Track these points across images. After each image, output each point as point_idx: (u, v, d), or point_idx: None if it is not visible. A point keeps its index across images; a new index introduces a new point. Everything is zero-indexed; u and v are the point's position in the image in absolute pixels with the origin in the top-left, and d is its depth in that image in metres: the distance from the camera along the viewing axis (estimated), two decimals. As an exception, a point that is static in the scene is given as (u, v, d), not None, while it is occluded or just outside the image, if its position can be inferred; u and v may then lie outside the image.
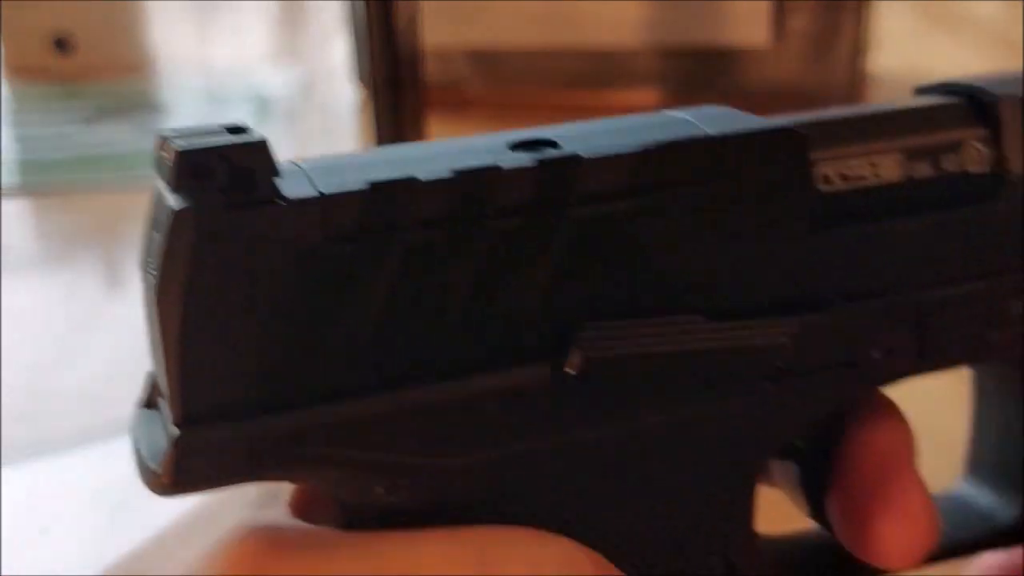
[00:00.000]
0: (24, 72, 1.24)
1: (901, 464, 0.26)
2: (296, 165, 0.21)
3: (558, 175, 0.22)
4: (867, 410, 0.27)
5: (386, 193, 0.21)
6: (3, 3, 1.20)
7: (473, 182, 0.21)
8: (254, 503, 0.24)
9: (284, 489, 0.24)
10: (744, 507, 0.26)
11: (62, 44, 1.22)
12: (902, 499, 0.25)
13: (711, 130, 0.23)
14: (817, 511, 0.27)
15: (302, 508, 0.24)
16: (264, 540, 0.21)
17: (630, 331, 0.23)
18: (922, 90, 0.27)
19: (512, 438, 0.23)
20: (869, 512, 0.26)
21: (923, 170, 0.25)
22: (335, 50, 1.18)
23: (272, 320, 0.20)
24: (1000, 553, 0.30)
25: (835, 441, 0.27)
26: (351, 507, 0.23)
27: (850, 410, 0.27)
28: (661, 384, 0.23)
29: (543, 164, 0.22)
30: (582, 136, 0.23)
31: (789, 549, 0.28)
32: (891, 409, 0.27)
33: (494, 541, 0.22)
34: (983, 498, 0.30)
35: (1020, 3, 1.10)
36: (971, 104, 0.26)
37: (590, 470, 0.24)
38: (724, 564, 0.26)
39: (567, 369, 0.22)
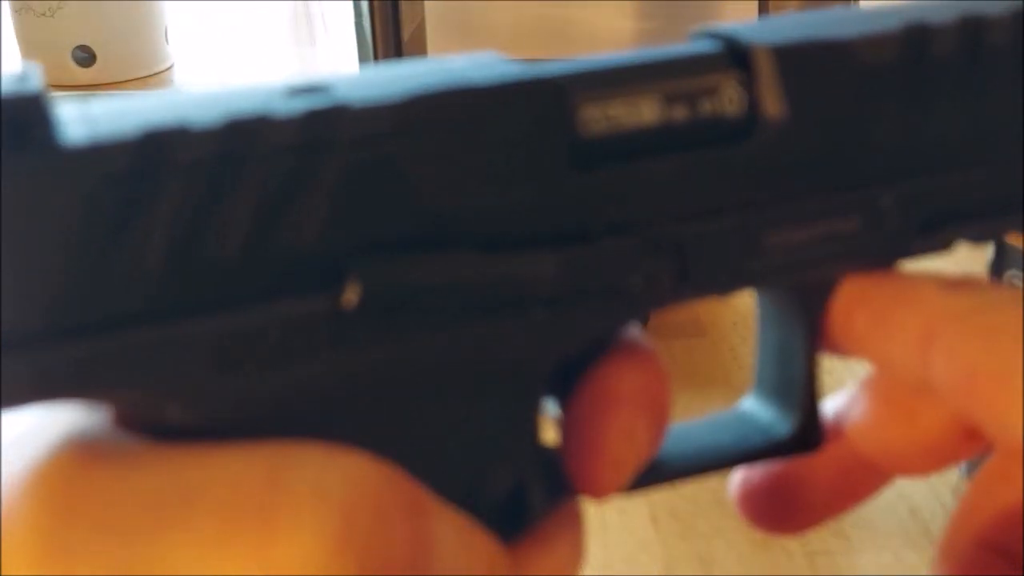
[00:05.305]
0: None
1: (609, 408, 0.27)
2: (81, 110, 0.24)
3: (326, 122, 0.24)
4: (606, 354, 0.28)
5: (158, 139, 0.23)
6: (24, 15, 1.25)
7: (242, 129, 0.24)
8: (79, 409, 0.26)
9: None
10: (529, 424, 0.28)
11: (82, 55, 1.27)
12: (599, 446, 0.27)
13: (476, 78, 0.26)
14: None
15: (124, 417, 0.26)
16: (75, 449, 0.23)
17: (403, 265, 0.25)
18: (693, 35, 0.29)
19: (296, 363, 0.25)
20: (571, 451, 0.28)
21: (680, 112, 0.27)
22: (345, 59, 1.21)
23: (58, 257, 0.23)
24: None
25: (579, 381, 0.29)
26: (152, 424, 0.25)
27: (603, 350, 0.29)
28: (438, 312, 0.26)
29: (312, 113, 0.24)
30: (358, 84, 0.26)
31: None
32: (628, 353, 0.28)
33: (283, 455, 0.24)
34: (764, 413, 0.32)
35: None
36: (730, 50, 0.28)
37: (376, 390, 0.26)
38: (513, 477, 0.28)
39: (345, 300, 0.25)
